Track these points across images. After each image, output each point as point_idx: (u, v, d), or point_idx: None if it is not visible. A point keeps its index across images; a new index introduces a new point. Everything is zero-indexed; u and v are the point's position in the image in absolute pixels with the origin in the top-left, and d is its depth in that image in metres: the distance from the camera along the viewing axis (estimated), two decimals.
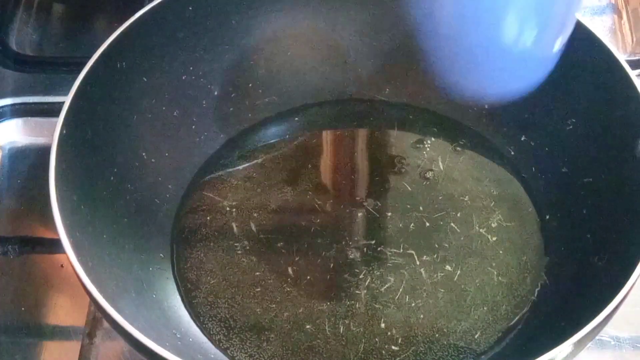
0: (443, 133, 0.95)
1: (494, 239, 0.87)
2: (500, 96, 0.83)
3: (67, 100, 0.79)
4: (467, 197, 0.91)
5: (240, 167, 0.93)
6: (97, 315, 0.85)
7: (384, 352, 0.80)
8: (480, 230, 0.88)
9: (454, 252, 0.87)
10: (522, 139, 0.93)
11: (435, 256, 0.86)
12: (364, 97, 0.99)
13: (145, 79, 0.88)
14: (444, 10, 0.75)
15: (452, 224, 0.88)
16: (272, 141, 0.96)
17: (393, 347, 0.80)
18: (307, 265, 0.86)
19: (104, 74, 0.83)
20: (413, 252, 0.87)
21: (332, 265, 0.86)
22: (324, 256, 0.86)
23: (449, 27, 0.77)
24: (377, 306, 0.83)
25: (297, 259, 0.86)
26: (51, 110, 0.90)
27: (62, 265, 0.90)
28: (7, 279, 0.92)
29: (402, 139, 0.96)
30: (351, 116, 0.98)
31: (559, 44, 0.74)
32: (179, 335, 0.81)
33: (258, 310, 0.83)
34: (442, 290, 0.84)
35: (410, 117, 0.97)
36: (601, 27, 1.11)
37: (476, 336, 0.81)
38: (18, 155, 1.02)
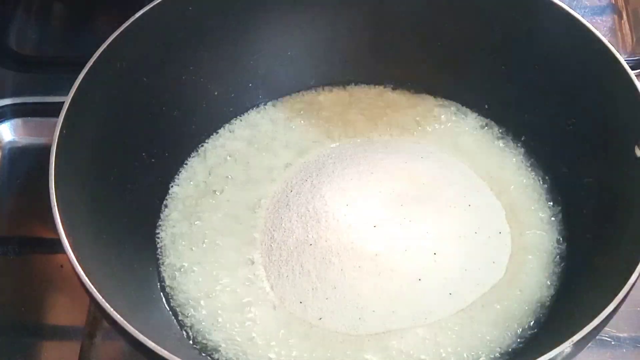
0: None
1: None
2: None
3: (67, 100, 0.79)
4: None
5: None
6: (97, 315, 0.85)
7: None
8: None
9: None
10: (522, 138, 0.93)
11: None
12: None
13: (145, 79, 0.88)
14: None
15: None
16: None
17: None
18: None
19: (104, 74, 0.83)
20: None
21: None
22: None
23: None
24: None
25: None
26: (51, 110, 0.90)
27: (62, 266, 0.90)
28: (7, 279, 0.92)
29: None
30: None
31: None
32: (178, 336, 0.81)
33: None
34: None
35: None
36: (601, 27, 1.11)
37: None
38: (18, 155, 1.02)
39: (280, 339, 0.81)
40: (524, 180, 0.91)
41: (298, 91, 0.98)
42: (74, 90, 0.80)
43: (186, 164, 0.93)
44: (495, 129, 0.95)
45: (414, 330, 0.80)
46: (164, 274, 0.86)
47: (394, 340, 0.80)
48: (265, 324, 0.81)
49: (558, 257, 0.85)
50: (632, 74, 0.80)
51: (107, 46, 0.83)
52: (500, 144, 0.94)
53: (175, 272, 0.85)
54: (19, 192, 0.99)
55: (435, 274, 0.82)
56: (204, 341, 0.81)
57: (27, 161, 1.01)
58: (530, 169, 0.92)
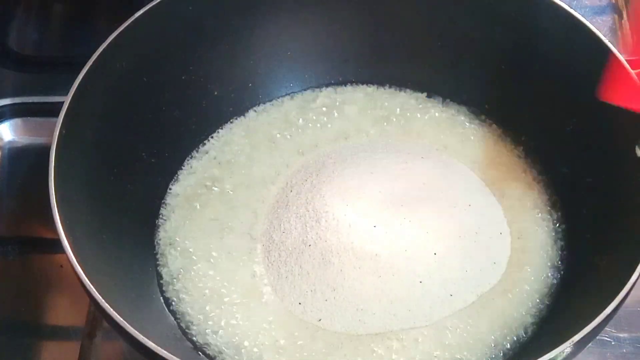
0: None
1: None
2: None
3: (67, 100, 0.79)
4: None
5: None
6: (97, 315, 0.85)
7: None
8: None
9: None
10: (522, 138, 0.93)
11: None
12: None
13: (145, 79, 0.88)
14: None
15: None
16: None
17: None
18: None
19: (104, 74, 0.83)
20: None
21: None
22: None
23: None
24: None
25: None
26: (51, 110, 0.90)
27: (61, 266, 0.90)
28: (7, 279, 0.92)
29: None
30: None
31: None
32: (178, 336, 0.81)
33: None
34: None
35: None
36: (601, 27, 1.11)
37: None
38: (18, 155, 1.02)
39: (279, 340, 0.81)
40: (523, 180, 0.91)
41: (298, 91, 0.98)
42: (74, 90, 0.80)
43: (186, 163, 0.93)
44: (495, 128, 0.94)
45: (415, 331, 0.80)
46: (164, 274, 0.85)
47: (394, 342, 0.80)
48: (265, 324, 0.81)
49: (558, 257, 0.85)
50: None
51: (107, 46, 0.83)
52: (500, 144, 0.94)
53: (175, 272, 0.85)
54: (19, 192, 0.99)
55: (435, 275, 0.82)
56: (203, 341, 0.81)
57: (27, 161, 1.01)
58: (530, 169, 0.92)
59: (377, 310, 0.81)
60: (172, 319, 0.83)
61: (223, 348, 0.81)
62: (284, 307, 0.82)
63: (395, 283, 0.81)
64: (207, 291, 0.84)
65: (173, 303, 0.84)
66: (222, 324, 0.82)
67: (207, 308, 0.83)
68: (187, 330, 0.82)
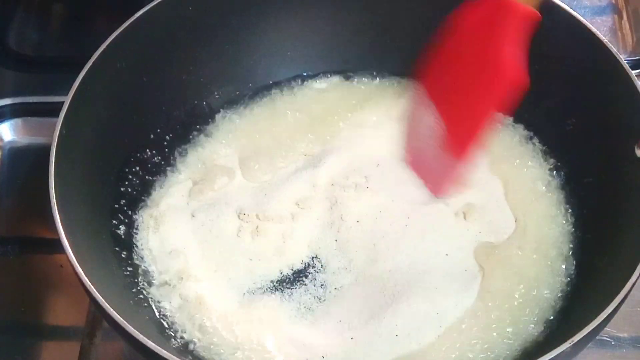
0: None
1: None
2: None
3: (67, 100, 0.79)
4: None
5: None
6: (97, 315, 0.85)
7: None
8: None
9: None
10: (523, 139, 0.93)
11: None
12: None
13: (145, 79, 0.88)
14: None
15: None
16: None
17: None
18: None
19: (104, 74, 0.83)
20: None
21: None
22: None
23: None
24: None
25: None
26: (51, 110, 0.90)
27: (61, 266, 0.90)
28: (7, 279, 0.92)
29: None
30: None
31: None
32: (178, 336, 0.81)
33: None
34: None
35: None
36: (601, 27, 1.11)
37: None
38: (18, 155, 1.02)
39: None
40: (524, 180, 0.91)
41: (298, 91, 0.98)
42: (74, 90, 0.80)
43: (186, 163, 0.93)
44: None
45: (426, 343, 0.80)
46: (165, 275, 0.85)
47: None
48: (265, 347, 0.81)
49: (558, 257, 0.85)
50: (632, 74, 0.80)
51: (107, 46, 0.83)
52: (501, 144, 0.93)
53: (175, 273, 0.85)
54: (19, 192, 0.99)
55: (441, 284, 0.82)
56: (205, 340, 0.81)
57: (27, 161, 1.01)
58: (530, 169, 0.91)
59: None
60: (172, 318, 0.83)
61: (223, 347, 0.80)
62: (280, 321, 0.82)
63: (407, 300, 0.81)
64: (208, 288, 0.83)
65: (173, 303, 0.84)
66: (224, 321, 0.81)
67: (209, 306, 0.82)
68: (186, 330, 0.82)
